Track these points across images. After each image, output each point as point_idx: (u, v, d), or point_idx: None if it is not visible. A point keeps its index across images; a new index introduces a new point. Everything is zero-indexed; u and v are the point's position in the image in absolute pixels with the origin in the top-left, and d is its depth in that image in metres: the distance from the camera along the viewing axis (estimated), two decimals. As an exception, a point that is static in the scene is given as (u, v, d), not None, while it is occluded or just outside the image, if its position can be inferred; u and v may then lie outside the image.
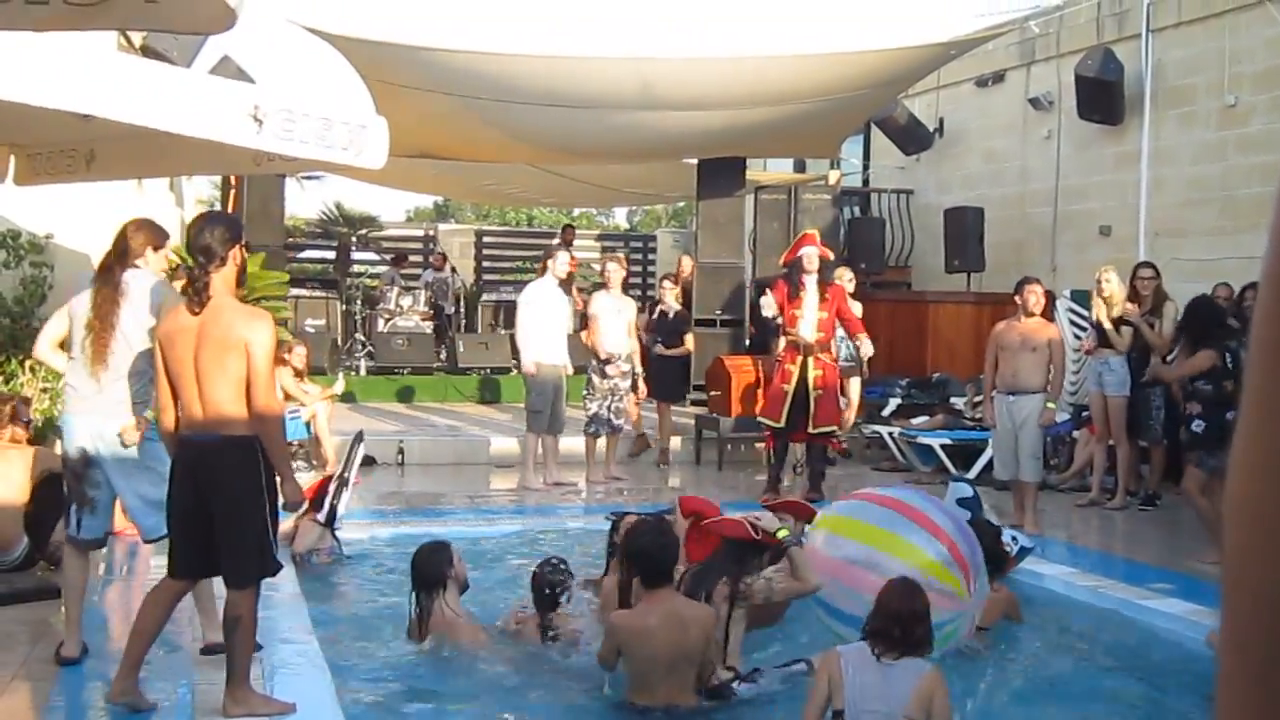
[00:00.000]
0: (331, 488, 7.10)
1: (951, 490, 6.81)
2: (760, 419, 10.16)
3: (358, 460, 7.31)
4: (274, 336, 4.42)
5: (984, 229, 14.34)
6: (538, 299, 10.04)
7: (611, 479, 10.33)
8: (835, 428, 9.74)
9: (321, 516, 7.02)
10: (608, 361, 10.17)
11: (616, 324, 10.28)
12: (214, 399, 4.29)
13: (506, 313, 16.35)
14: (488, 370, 15.04)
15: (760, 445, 11.01)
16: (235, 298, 4.50)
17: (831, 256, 10.18)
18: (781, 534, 5.02)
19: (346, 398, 13.81)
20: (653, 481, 10.49)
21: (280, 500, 4.41)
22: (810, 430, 9.56)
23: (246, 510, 4.32)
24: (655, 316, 11.92)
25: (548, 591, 5.46)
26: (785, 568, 5.00)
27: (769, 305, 9.70)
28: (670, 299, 11.84)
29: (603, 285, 10.91)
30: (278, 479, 4.39)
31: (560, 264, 10.15)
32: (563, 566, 5.59)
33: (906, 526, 5.04)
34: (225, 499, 4.31)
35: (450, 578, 5.34)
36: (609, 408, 10.24)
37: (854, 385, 11.30)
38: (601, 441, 10.42)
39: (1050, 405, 8.56)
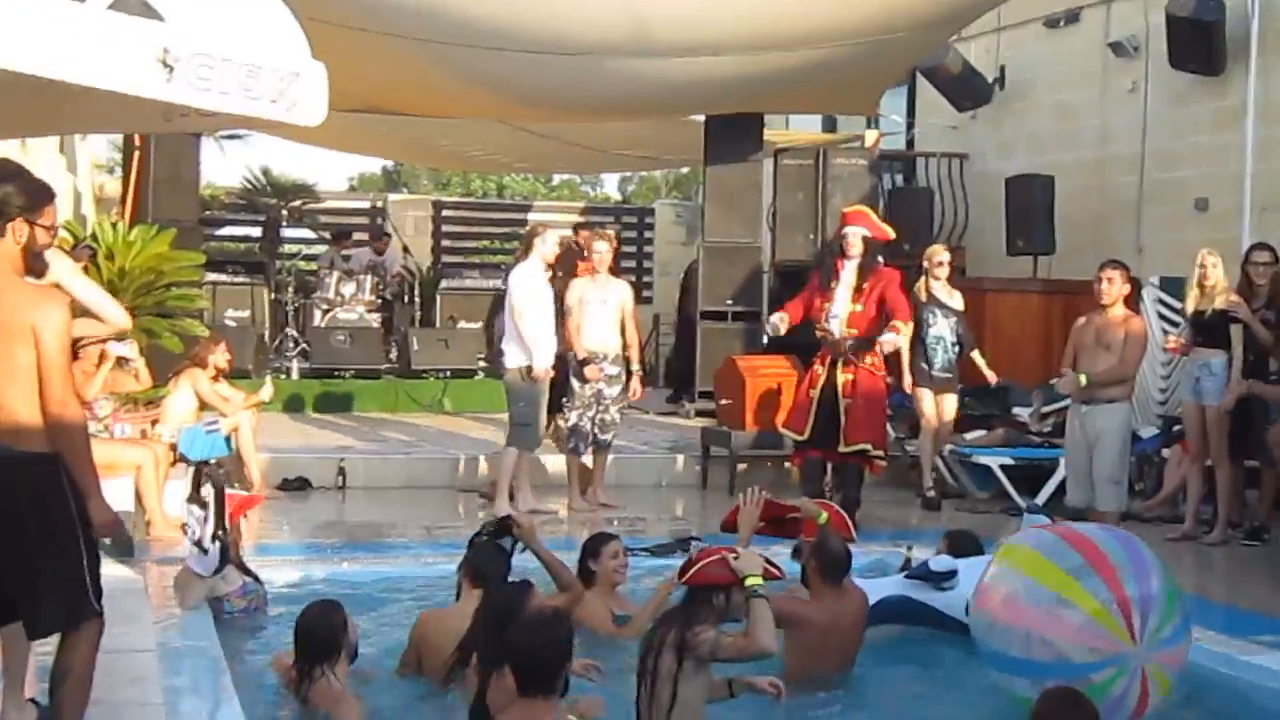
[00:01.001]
0: (199, 531, 6.98)
1: (1026, 525, 6.84)
2: (783, 431, 10.15)
3: (206, 488, 7.14)
4: (69, 321, 4.34)
5: (1054, 202, 14.36)
6: (535, 287, 9.97)
7: (600, 506, 10.33)
8: (869, 446, 9.58)
9: (199, 568, 6.95)
10: (586, 362, 10.12)
11: (601, 315, 10.25)
12: (4, 403, 4.21)
13: (471, 303, 16.33)
14: (448, 373, 15.03)
15: (788, 465, 10.97)
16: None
17: (891, 236, 9.98)
18: (750, 581, 5.02)
19: (292, 407, 13.82)
20: (650, 510, 10.48)
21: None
22: (840, 448, 9.54)
23: (57, 541, 4.23)
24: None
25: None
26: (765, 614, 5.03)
27: (780, 323, 9.61)
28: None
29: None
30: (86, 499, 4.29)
31: (548, 245, 10.10)
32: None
33: (1087, 571, 5.38)
34: (24, 528, 4.22)
35: (343, 646, 5.36)
36: (592, 419, 10.23)
37: (948, 404, 11.03)
38: (587, 460, 10.42)
39: (1081, 379, 8.55)
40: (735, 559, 5.08)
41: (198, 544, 6.92)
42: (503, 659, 4.53)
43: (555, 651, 4.44)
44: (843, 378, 9.50)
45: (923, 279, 11.07)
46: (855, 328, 9.52)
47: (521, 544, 6.33)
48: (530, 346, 9.84)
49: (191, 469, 7.53)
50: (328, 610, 5.45)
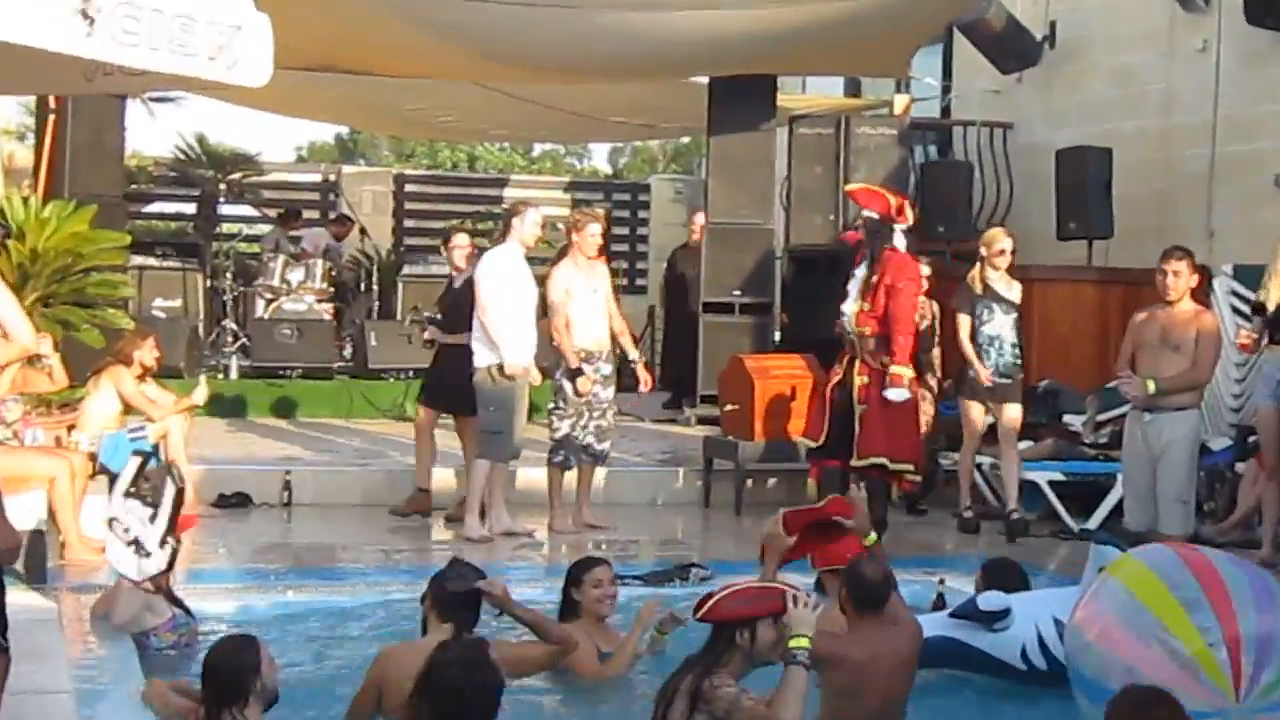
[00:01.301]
0: (142, 531, 6.96)
1: (1094, 556, 6.78)
2: (798, 440, 10.12)
3: (168, 495, 7.13)
4: None
5: (1112, 178, 14.36)
6: (507, 272, 9.93)
7: (586, 527, 10.33)
8: (887, 460, 9.53)
9: (131, 572, 6.94)
10: (579, 371, 10.04)
11: (593, 306, 10.22)
12: None
13: (437, 292, 16.26)
14: (409, 373, 15.02)
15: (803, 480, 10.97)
16: None
17: (890, 206, 9.83)
18: (795, 643, 5.03)
19: (230, 411, 13.78)
20: (644, 531, 10.48)
21: None
22: (855, 459, 9.54)
23: None
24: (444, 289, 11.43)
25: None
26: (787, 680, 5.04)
27: None
28: (460, 259, 10.95)
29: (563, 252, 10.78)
30: None
31: (529, 225, 10.06)
32: None
33: (1200, 604, 5.35)
34: None
35: (255, 689, 5.36)
36: (585, 427, 10.21)
37: (1009, 414, 10.63)
38: (571, 475, 10.41)
39: (1149, 385, 8.55)
40: (787, 617, 5.06)
41: (135, 544, 6.88)
42: (421, 700, 4.55)
43: (476, 700, 4.48)
44: (859, 380, 9.51)
45: (977, 268, 10.72)
46: (866, 326, 9.55)
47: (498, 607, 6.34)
48: (498, 342, 9.80)
49: (136, 461, 7.36)
50: (239, 647, 5.44)
